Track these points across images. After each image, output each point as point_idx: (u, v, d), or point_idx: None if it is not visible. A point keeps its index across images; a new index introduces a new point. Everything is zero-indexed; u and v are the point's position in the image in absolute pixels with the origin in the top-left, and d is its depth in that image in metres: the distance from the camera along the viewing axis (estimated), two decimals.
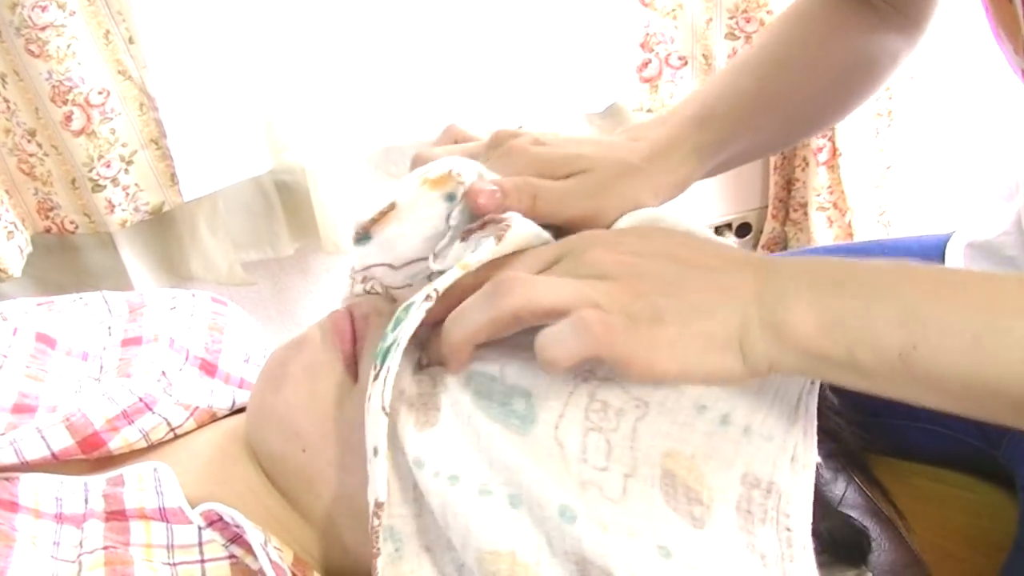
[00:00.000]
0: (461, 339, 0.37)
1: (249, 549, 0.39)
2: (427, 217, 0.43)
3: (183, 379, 0.49)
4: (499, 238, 0.39)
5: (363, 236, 0.43)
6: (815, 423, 0.40)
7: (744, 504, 0.38)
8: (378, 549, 0.36)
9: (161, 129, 1.09)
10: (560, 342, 0.34)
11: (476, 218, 0.42)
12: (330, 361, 0.43)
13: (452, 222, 0.43)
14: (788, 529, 0.38)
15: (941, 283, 0.34)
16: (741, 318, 0.35)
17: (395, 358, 0.36)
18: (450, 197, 0.42)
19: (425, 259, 0.44)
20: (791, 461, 0.39)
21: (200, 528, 0.39)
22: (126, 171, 1.09)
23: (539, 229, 0.42)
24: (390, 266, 0.45)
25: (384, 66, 1.22)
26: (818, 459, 0.40)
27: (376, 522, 0.36)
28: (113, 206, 1.09)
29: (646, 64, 1.26)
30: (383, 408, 0.36)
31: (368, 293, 0.47)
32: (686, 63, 1.25)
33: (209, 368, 0.52)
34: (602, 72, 1.30)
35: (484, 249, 0.38)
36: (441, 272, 0.39)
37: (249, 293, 1.30)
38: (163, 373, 0.48)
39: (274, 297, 1.34)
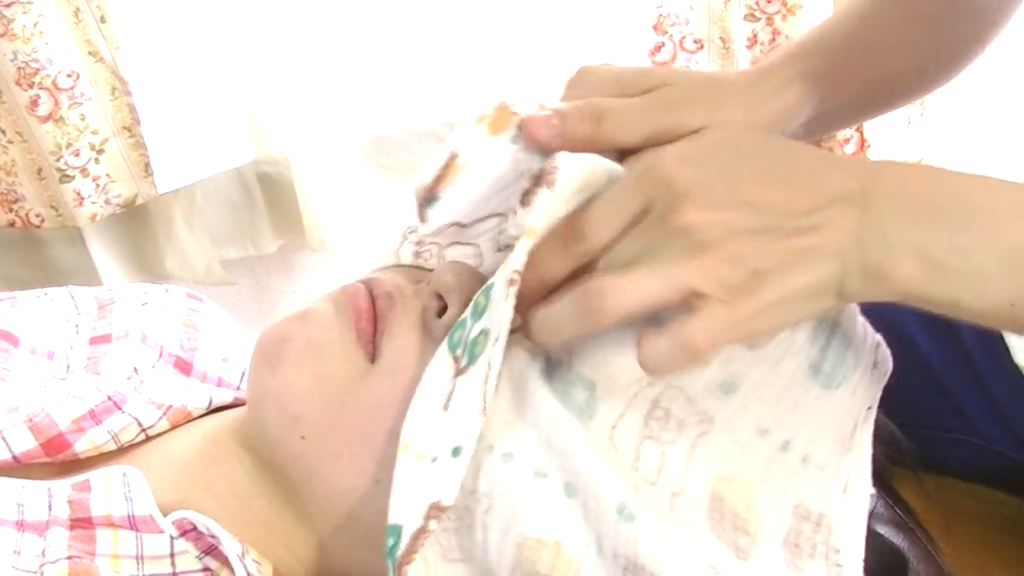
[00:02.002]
0: (549, 344, 0.37)
1: (225, 561, 0.39)
2: (493, 166, 0.41)
3: (156, 376, 0.49)
4: (551, 184, 0.37)
5: (429, 199, 0.42)
6: (870, 452, 0.41)
7: (792, 538, 0.38)
8: (416, 556, 0.36)
9: (135, 115, 1.09)
10: (666, 360, 0.35)
11: (543, 157, 0.41)
12: (341, 338, 0.42)
13: (521, 166, 0.41)
14: (838, 565, 0.38)
15: None
16: (841, 266, 0.36)
17: (495, 354, 0.36)
18: (516, 140, 0.41)
19: (497, 215, 0.43)
20: (843, 492, 0.40)
21: (172, 538, 0.39)
22: (96, 160, 1.09)
23: (597, 158, 0.39)
24: (460, 224, 0.45)
25: (377, 48, 1.22)
26: (872, 490, 0.40)
27: (434, 525, 0.35)
28: (82, 198, 1.09)
29: (659, 48, 1.26)
30: (483, 411, 0.36)
31: (414, 265, 0.47)
32: (702, 47, 1.25)
33: (184, 366, 0.52)
34: (611, 56, 1.30)
35: (542, 204, 0.37)
36: (516, 238, 0.38)
37: (228, 293, 1.30)
38: (135, 370, 0.48)
39: (255, 298, 1.34)
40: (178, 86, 1.15)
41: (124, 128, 1.10)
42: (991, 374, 0.66)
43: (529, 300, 0.38)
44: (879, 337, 0.43)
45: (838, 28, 0.57)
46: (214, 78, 1.16)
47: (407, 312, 0.43)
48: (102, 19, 1.03)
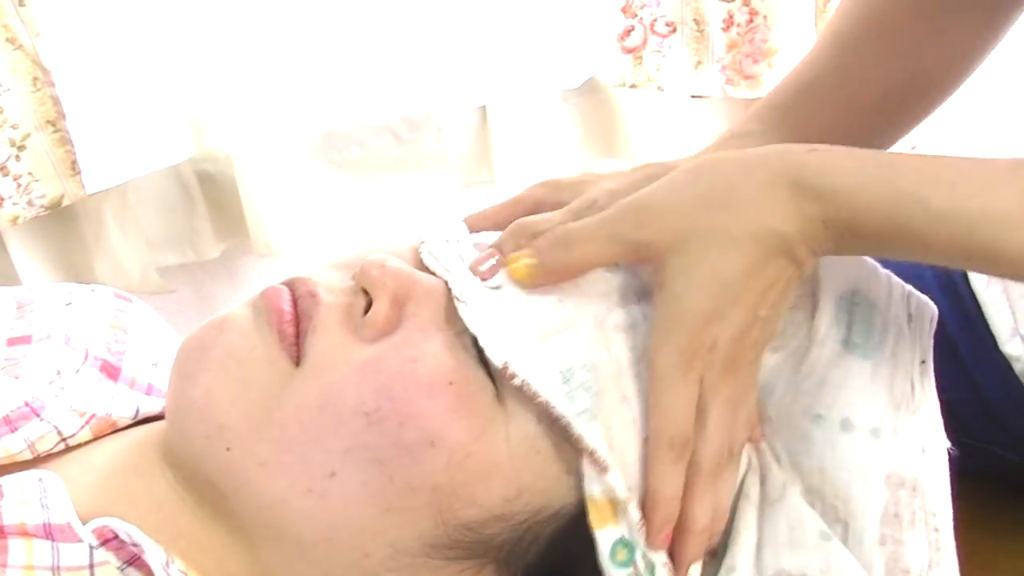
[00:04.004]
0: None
1: (149, 572, 0.39)
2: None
3: (80, 382, 0.49)
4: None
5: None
6: (937, 407, 0.44)
7: (892, 508, 0.42)
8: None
9: (59, 108, 1.08)
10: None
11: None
12: (263, 344, 0.43)
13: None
14: (936, 529, 0.42)
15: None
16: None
17: None
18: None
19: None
20: (921, 452, 0.43)
21: (92, 548, 0.39)
22: (17, 158, 1.08)
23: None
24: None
25: (325, 36, 1.22)
26: (948, 444, 0.44)
27: None
28: (2, 199, 1.09)
29: (628, 32, 1.28)
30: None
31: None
32: (675, 30, 1.27)
33: (111, 371, 0.52)
34: (578, 42, 1.31)
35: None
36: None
37: (167, 302, 1.29)
38: (57, 373, 0.48)
39: (196, 307, 1.33)
40: (107, 76, 1.14)
41: (47, 122, 1.09)
42: (977, 366, 0.68)
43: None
44: (907, 288, 0.47)
45: (806, 81, 0.62)
46: (147, 67, 1.15)
47: (331, 311, 0.44)
48: (20, 2, 1.03)
